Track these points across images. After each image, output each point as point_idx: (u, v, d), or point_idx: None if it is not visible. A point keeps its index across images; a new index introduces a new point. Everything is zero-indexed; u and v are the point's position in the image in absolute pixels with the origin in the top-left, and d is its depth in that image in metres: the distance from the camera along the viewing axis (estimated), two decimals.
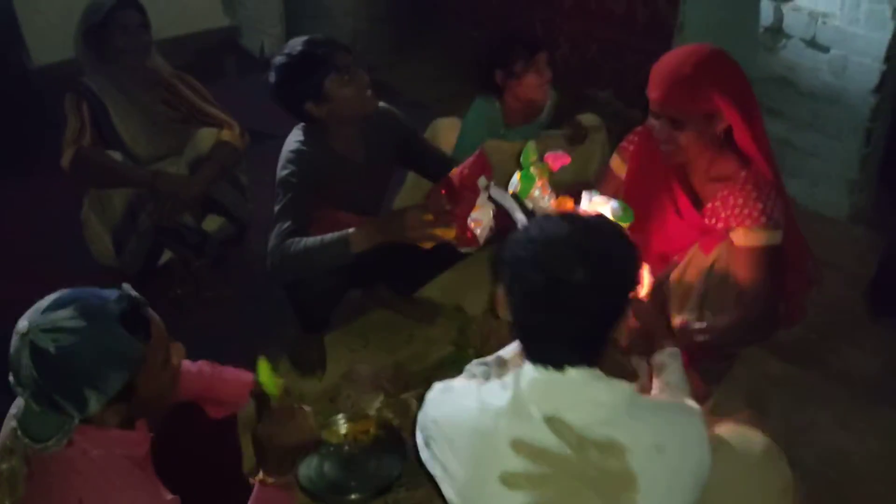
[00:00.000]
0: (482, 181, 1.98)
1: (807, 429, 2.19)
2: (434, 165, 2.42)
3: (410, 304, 2.67)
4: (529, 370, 1.27)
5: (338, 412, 2.23)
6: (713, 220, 2.00)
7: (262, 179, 2.92)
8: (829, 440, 2.16)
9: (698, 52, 1.88)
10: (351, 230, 2.03)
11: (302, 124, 2.27)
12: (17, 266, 2.95)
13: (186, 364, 1.75)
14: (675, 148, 1.93)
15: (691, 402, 1.37)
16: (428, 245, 2.04)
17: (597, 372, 1.24)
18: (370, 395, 2.29)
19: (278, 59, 2.19)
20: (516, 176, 1.94)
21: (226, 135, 2.69)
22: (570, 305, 1.20)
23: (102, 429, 1.35)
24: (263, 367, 1.68)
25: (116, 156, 2.59)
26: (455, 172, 2.03)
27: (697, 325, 1.95)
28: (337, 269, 2.15)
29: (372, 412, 2.23)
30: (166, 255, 2.79)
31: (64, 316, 1.27)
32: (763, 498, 1.45)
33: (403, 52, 4.52)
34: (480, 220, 2.00)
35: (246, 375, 1.88)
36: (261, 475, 1.55)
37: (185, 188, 2.56)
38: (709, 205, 2.01)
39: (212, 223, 2.81)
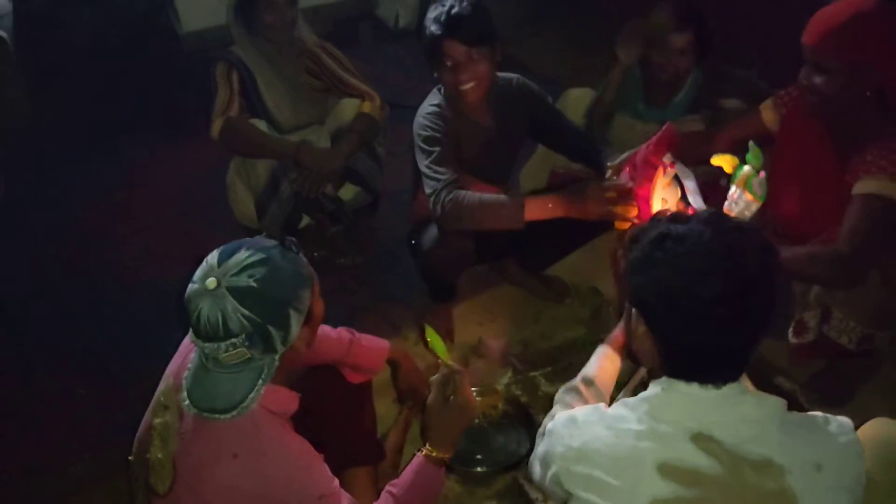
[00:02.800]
0: (668, 157, 1.91)
1: None
2: (570, 141, 2.40)
3: (540, 281, 2.67)
4: (665, 388, 1.20)
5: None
6: (853, 178, 1.88)
7: (394, 150, 3.00)
8: None
9: (864, 3, 1.78)
10: (529, 196, 2.07)
11: (436, 88, 2.31)
12: (169, 223, 3.16)
13: (327, 330, 1.83)
14: (819, 97, 1.84)
15: (843, 418, 1.26)
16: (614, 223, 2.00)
17: (743, 385, 1.18)
18: (499, 370, 2.32)
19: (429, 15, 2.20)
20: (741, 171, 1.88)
21: (367, 106, 2.74)
22: (748, 315, 1.13)
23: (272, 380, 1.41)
24: (431, 333, 1.75)
25: (261, 125, 2.68)
26: (640, 149, 1.97)
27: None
28: (469, 235, 2.20)
29: (500, 387, 2.25)
30: (304, 220, 2.89)
31: (244, 256, 1.35)
32: None
33: (534, 26, 4.46)
34: (667, 198, 1.92)
35: (382, 343, 1.95)
36: (427, 449, 1.61)
37: (326, 161, 2.63)
38: (853, 161, 1.89)
39: (348, 191, 2.88)
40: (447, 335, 2.49)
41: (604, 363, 1.64)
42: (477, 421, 2.14)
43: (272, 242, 1.41)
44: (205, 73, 2.71)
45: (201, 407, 1.37)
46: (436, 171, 2.12)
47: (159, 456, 1.42)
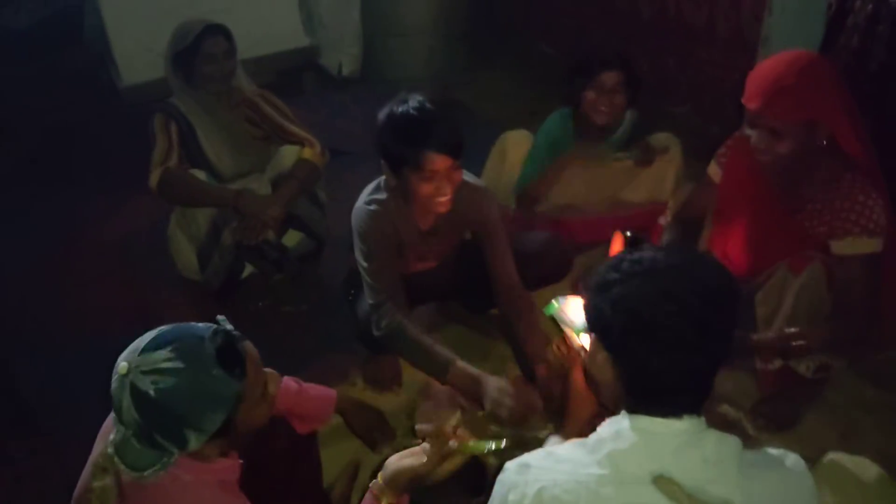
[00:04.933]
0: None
1: None
2: (494, 269, 2.24)
3: (485, 321, 2.66)
4: (626, 426, 1.16)
5: (413, 428, 2.23)
6: (813, 224, 1.94)
7: (338, 197, 2.99)
8: None
9: (800, 60, 1.82)
10: (457, 363, 2.04)
11: (381, 179, 2.17)
12: (110, 277, 3.09)
13: None
14: (774, 158, 1.88)
15: (794, 455, 1.24)
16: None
17: (703, 422, 1.16)
18: (447, 412, 2.29)
19: (395, 109, 2.00)
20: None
21: (307, 153, 2.74)
22: (697, 336, 1.12)
23: (191, 461, 1.36)
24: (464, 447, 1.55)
25: (201, 174, 2.67)
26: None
27: (793, 331, 1.89)
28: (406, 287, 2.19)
29: (448, 429, 2.22)
30: (248, 270, 2.86)
31: (162, 357, 1.28)
32: None
33: (479, 70, 4.54)
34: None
35: (329, 392, 1.91)
36: (378, 492, 1.51)
37: (266, 207, 2.61)
38: (809, 207, 1.94)
39: (291, 238, 2.86)
40: (394, 380, 2.46)
41: None
42: None
43: (209, 350, 1.31)
44: (144, 126, 2.69)
45: (122, 460, 1.32)
46: (373, 282, 2.13)
47: None
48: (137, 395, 1.26)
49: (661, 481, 1.10)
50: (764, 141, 1.87)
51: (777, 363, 2.06)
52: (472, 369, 2.03)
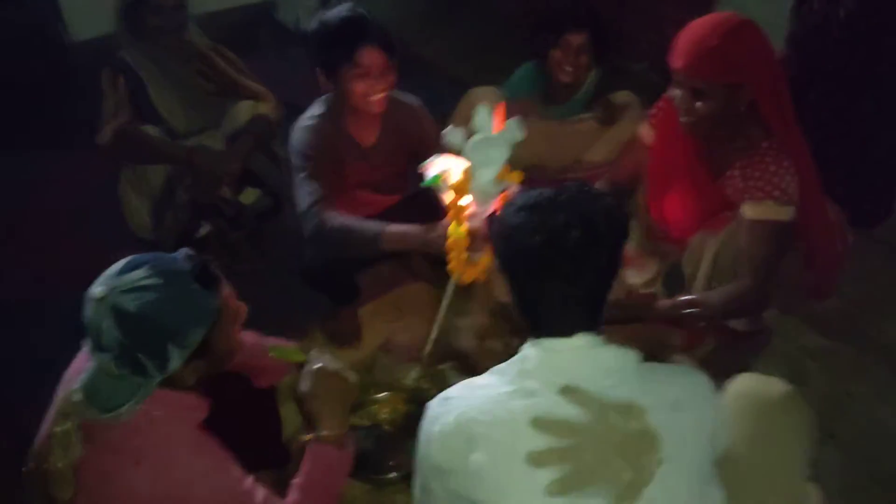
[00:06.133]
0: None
1: (844, 401, 2.18)
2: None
3: (445, 276, 2.66)
4: (530, 348, 1.26)
5: (374, 382, 2.25)
6: (730, 190, 1.97)
7: None
8: (867, 413, 2.14)
9: (727, 22, 1.82)
10: (388, 227, 2.00)
11: (322, 97, 2.23)
12: (58, 239, 3.03)
13: None
14: (695, 119, 1.89)
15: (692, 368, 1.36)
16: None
17: (601, 338, 1.25)
18: (407, 366, 2.31)
19: (327, 15, 2.10)
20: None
21: (262, 107, 2.70)
22: (571, 266, 1.21)
23: (165, 391, 1.37)
24: (275, 350, 1.71)
25: (154, 130, 2.62)
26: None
27: (685, 299, 1.91)
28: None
29: (409, 382, 2.25)
30: (204, 228, 2.82)
31: (140, 276, 1.30)
32: (789, 439, 1.42)
33: (440, 26, 4.49)
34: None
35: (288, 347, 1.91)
36: (315, 433, 1.56)
37: (221, 163, 2.58)
38: (727, 173, 1.97)
39: (248, 196, 2.84)
40: (354, 335, 2.47)
41: None
42: (386, 427, 2.11)
43: (183, 267, 1.35)
44: (94, 83, 2.62)
45: (86, 398, 1.34)
46: (306, 188, 2.08)
47: (59, 465, 1.36)
48: (119, 313, 1.27)
49: (568, 390, 1.19)
50: (685, 101, 1.88)
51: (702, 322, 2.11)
52: (402, 226, 2.01)
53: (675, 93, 1.92)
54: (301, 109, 2.88)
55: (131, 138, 2.56)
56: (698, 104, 1.86)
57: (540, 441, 1.18)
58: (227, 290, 1.43)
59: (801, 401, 1.45)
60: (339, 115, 2.18)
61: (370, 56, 2.02)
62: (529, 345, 1.27)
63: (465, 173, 1.83)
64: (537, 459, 1.17)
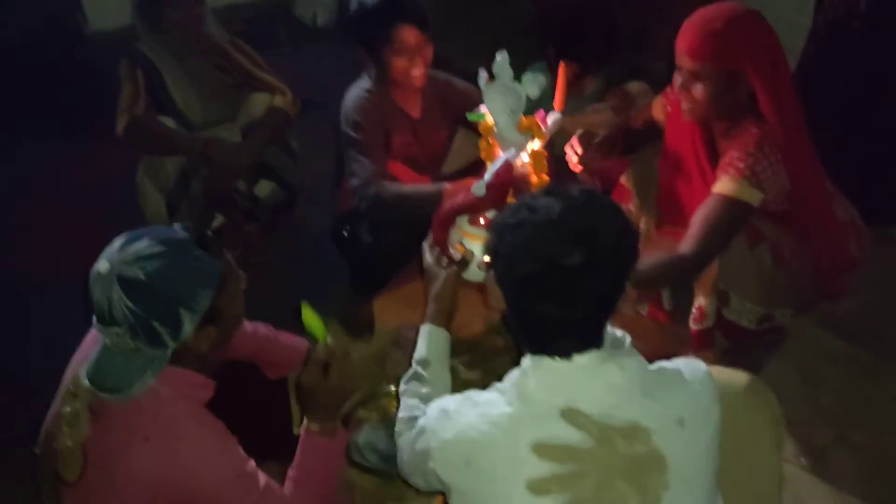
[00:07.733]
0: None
1: (860, 405, 2.15)
2: None
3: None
4: (530, 366, 1.19)
5: (385, 376, 2.25)
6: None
7: (312, 148, 2.96)
8: (883, 416, 2.12)
9: (732, 10, 1.85)
10: (445, 184, 2.09)
11: (365, 74, 2.33)
12: (74, 228, 3.04)
13: (244, 323, 1.79)
14: (692, 105, 1.91)
15: (695, 361, 1.27)
16: None
17: (603, 353, 1.18)
18: None
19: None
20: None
21: (278, 100, 2.71)
22: (570, 290, 1.13)
23: (174, 369, 1.39)
24: (307, 311, 1.67)
25: (169, 122, 2.63)
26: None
27: None
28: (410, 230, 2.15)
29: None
30: (218, 220, 2.83)
31: (143, 246, 1.32)
32: (754, 429, 1.39)
33: (457, 24, 4.48)
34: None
35: (301, 342, 1.92)
36: (305, 423, 1.58)
37: (236, 155, 2.58)
38: (721, 162, 1.96)
39: (263, 188, 2.84)
40: (366, 328, 2.47)
41: (431, 340, 1.67)
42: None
43: (183, 235, 1.37)
44: (113, 73, 2.63)
45: (93, 382, 1.34)
46: (359, 161, 2.16)
47: (68, 444, 1.38)
48: (128, 284, 1.29)
49: (569, 413, 1.14)
50: (685, 84, 1.90)
51: (708, 322, 2.09)
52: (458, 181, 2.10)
53: (677, 77, 1.93)
54: (316, 105, 2.90)
55: (146, 129, 2.57)
56: (696, 87, 1.87)
57: (541, 467, 1.13)
58: (226, 255, 1.45)
59: (765, 388, 1.43)
60: (386, 89, 2.28)
61: (407, 33, 2.16)
62: (529, 361, 1.21)
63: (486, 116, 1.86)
64: (538, 488, 1.12)
